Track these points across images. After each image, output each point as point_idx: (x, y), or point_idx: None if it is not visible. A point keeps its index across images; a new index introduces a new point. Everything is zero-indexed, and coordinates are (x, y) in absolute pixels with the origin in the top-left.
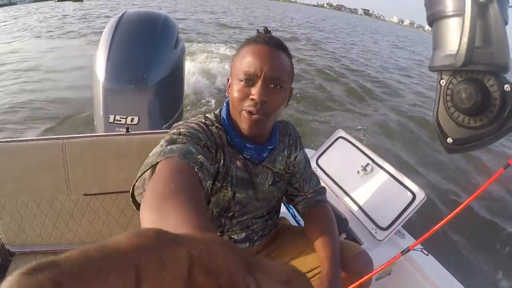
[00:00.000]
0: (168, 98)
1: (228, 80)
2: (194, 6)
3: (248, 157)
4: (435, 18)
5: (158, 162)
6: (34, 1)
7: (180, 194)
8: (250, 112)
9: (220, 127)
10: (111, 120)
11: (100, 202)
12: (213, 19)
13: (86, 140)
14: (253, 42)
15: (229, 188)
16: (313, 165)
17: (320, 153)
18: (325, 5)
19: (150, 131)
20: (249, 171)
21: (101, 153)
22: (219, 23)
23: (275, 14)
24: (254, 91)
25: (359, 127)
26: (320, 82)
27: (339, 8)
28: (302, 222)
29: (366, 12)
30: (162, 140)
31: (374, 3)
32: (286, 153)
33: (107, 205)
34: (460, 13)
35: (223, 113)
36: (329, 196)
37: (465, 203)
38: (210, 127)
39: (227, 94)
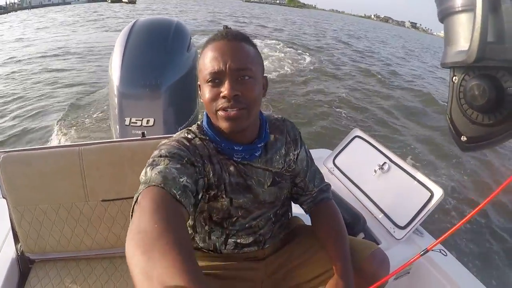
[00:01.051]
0: (182, 101)
1: (199, 86)
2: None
3: (239, 159)
4: (445, 13)
5: (146, 182)
6: (88, 1)
7: (164, 236)
8: (225, 109)
9: (203, 137)
10: (127, 122)
11: (118, 207)
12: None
13: (101, 146)
14: (212, 41)
15: (224, 197)
16: (330, 165)
17: (336, 152)
18: (372, 16)
19: (165, 136)
20: (243, 175)
21: (117, 158)
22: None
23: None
24: (223, 88)
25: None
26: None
27: (386, 20)
28: None
29: (414, 25)
30: (147, 164)
31: (421, 16)
32: (283, 151)
33: (124, 210)
34: (471, 8)
35: (204, 123)
36: (347, 196)
37: (484, 203)
38: (192, 140)
39: (201, 101)
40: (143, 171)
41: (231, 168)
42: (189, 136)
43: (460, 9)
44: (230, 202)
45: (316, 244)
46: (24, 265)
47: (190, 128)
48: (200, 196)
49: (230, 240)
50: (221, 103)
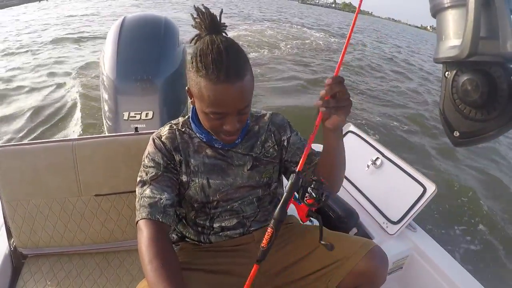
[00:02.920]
0: (176, 94)
1: (188, 90)
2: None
3: (220, 146)
4: (438, 9)
5: (140, 210)
6: None
7: (156, 259)
8: (225, 134)
9: (181, 129)
10: (125, 117)
11: (111, 202)
12: None
13: (95, 141)
14: (214, 80)
15: (200, 179)
16: None
17: None
18: (428, 27)
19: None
20: (221, 158)
21: (111, 153)
22: None
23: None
24: (227, 125)
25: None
26: None
27: None
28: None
29: None
30: (140, 171)
31: None
32: (263, 138)
33: (117, 205)
34: (463, 3)
35: (191, 118)
36: (340, 191)
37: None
38: (162, 137)
39: (191, 104)
40: (138, 178)
41: (208, 151)
42: (162, 132)
43: (452, 4)
44: (208, 183)
45: (312, 242)
46: (17, 260)
47: (172, 121)
48: (179, 189)
49: (216, 225)
50: (224, 132)
